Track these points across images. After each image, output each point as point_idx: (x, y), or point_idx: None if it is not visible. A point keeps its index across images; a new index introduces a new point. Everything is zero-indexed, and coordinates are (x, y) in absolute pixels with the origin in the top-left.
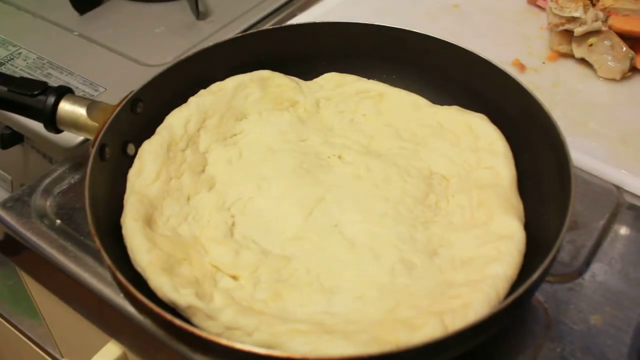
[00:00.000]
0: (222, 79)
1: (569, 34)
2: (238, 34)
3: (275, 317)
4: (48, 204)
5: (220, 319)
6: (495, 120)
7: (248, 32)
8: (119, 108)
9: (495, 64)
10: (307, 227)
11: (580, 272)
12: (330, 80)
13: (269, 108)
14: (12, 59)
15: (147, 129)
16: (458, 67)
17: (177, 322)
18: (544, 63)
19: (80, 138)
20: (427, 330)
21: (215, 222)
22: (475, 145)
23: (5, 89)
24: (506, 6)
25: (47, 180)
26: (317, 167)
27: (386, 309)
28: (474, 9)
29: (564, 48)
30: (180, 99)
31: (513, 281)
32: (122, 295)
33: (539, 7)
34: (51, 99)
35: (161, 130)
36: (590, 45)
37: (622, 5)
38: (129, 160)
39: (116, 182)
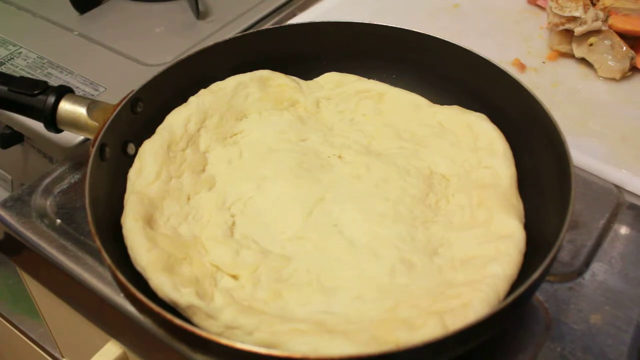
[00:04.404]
0: (222, 78)
1: (569, 33)
2: (238, 33)
3: (275, 317)
4: (48, 203)
5: (221, 318)
6: (495, 119)
7: (248, 32)
8: (119, 108)
9: (495, 64)
10: (307, 226)
11: (580, 272)
12: (330, 80)
13: (269, 108)
14: (12, 58)
15: (147, 129)
16: (458, 66)
17: (177, 321)
18: (544, 63)
19: (80, 138)
20: (427, 329)
21: (215, 222)
22: (475, 145)
23: (5, 88)
24: (506, 6)
25: (47, 180)
26: (317, 167)
27: (386, 309)
28: (474, 9)
29: (564, 48)
30: (180, 99)
31: (513, 281)
32: (122, 294)
33: (539, 6)
34: (51, 99)
35: (161, 129)
36: (590, 44)
37: (622, 5)
38: (129, 160)
39: (116, 181)
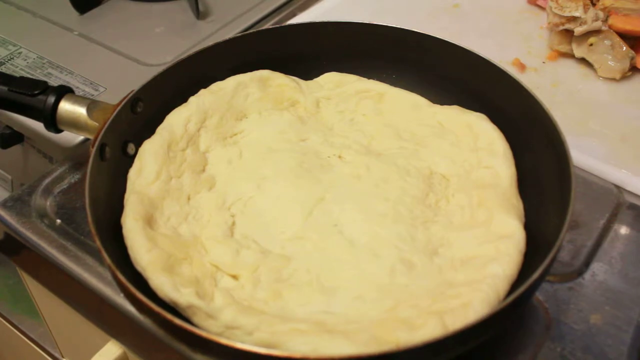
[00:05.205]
0: (222, 78)
1: (569, 33)
2: (238, 33)
3: (275, 317)
4: (48, 203)
5: (221, 318)
6: (495, 120)
7: (248, 32)
8: (119, 108)
9: (495, 64)
10: (307, 226)
11: (580, 272)
12: (330, 80)
13: (269, 108)
14: (12, 58)
15: (147, 129)
16: (458, 66)
17: (177, 321)
18: (544, 63)
19: (80, 138)
20: (427, 329)
21: (215, 222)
22: (475, 145)
23: (5, 88)
24: (506, 6)
25: (47, 180)
26: (317, 167)
27: (386, 309)
28: (474, 9)
29: (564, 48)
30: (180, 99)
31: (513, 281)
32: (122, 294)
33: (539, 6)
34: (51, 99)
35: (161, 129)
36: (590, 44)
37: (622, 5)
38: (129, 160)
39: (116, 181)
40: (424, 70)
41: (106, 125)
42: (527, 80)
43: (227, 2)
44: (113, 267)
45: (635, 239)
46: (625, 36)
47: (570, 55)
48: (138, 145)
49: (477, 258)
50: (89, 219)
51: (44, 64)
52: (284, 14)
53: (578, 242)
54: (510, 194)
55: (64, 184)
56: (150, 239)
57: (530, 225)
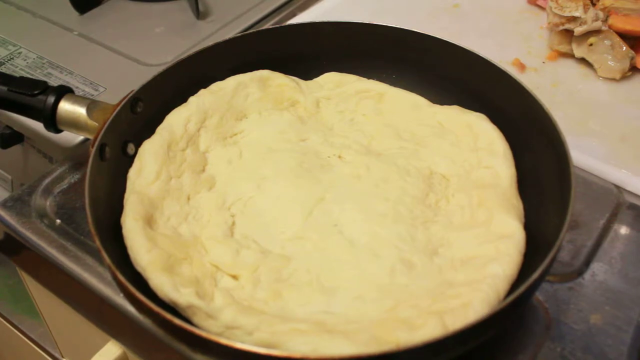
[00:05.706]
0: (222, 78)
1: (569, 33)
2: (238, 33)
3: (275, 317)
4: (48, 203)
5: (221, 318)
6: (495, 120)
7: (248, 32)
8: (119, 108)
9: (495, 64)
10: (307, 226)
11: (580, 272)
12: (330, 80)
13: (269, 108)
14: (12, 58)
15: (147, 129)
16: (458, 66)
17: (177, 321)
18: (544, 63)
19: (80, 138)
20: (427, 329)
21: (215, 222)
22: (475, 145)
23: (5, 88)
24: (506, 6)
25: (47, 180)
26: (317, 167)
27: (386, 309)
28: (474, 9)
29: (564, 48)
30: (180, 99)
31: (513, 281)
32: (122, 295)
33: (539, 6)
34: (51, 99)
35: (161, 129)
36: (590, 44)
37: (622, 5)
38: (129, 160)
39: (116, 181)
40: (424, 70)
41: (106, 125)
42: (527, 80)
43: (227, 2)
44: (113, 267)
45: (635, 239)
46: (625, 36)
47: (570, 55)
48: (138, 145)
49: (477, 258)
50: (89, 219)
51: (43, 64)
52: (284, 14)
53: (578, 242)
54: (510, 194)
55: (64, 184)
56: (150, 239)
57: (530, 225)
